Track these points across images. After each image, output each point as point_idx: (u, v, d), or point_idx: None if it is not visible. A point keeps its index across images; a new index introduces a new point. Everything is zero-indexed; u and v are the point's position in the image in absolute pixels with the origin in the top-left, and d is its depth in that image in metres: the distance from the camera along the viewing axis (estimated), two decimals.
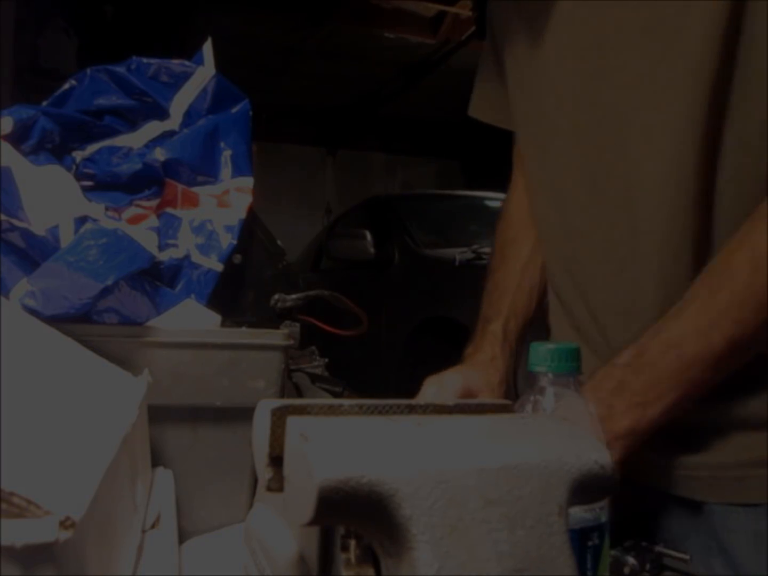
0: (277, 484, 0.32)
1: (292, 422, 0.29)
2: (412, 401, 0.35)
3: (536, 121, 0.73)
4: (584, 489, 0.29)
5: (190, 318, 0.71)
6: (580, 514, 0.44)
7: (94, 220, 0.66)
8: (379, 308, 3.52)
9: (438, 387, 0.71)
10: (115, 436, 0.44)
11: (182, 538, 0.69)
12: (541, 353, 0.50)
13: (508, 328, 0.81)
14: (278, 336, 0.72)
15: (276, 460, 0.32)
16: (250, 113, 0.81)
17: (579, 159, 0.67)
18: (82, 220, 0.65)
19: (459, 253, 3.05)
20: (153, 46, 0.86)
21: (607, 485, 0.29)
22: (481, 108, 0.89)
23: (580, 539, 0.47)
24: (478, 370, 0.76)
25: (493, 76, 0.83)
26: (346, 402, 0.34)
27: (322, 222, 7.02)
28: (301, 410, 0.32)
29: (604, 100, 0.64)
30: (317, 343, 1.27)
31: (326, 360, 1.28)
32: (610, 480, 0.29)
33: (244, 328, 0.73)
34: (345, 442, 0.27)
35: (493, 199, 4.01)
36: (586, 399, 0.48)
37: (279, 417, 0.32)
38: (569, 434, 0.30)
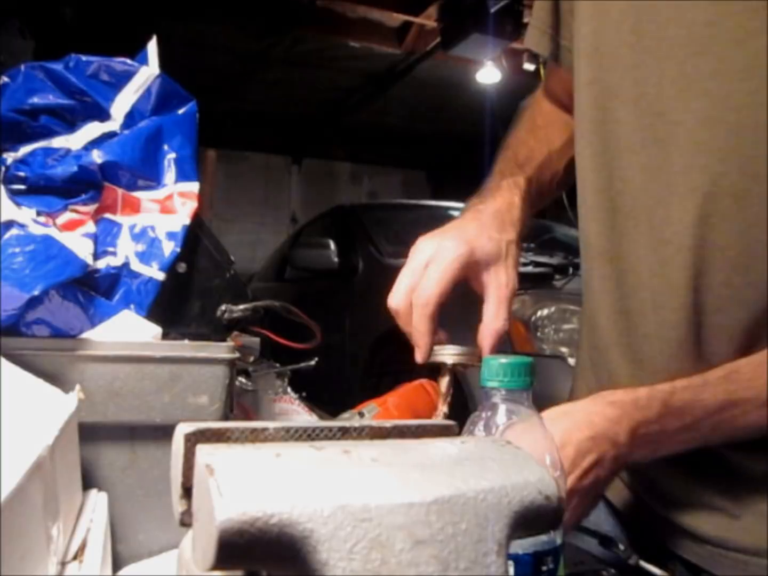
0: (190, 519, 0.28)
1: (202, 451, 0.26)
2: (347, 423, 0.32)
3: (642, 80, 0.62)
4: (527, 522, 0.26)
5: (128, 330, 0.67)
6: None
7: (22, 226, 0.62)
8: (343, 318, 3.48)
9: (430, 261, 0.60)
10: (25, 462, 0.40)
11: (119, 564, 0.66)
12: (493, 368, 0.48)
13: (532, 187, 0.71)
14: (223, 349, 0.68)
15: (190, 492, 0.28)
16: (197, 115, 0.78)
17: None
18: (7, 226, 0.61)
19: None
20: (113, 50, 0.81)
21: (553, 517, 0.27)
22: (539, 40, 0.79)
23: (534, 564, 0.44)
24: (487, 225, 0.63)
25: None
26: (272, 425, 0.30)
27: (286, 231, 6.98)
28: (219, 435, 0.29)
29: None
30: (278, 356, 1.23)
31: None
32: (555, 511, 0.27)
33: (186, 341, 0.69)
34: (255, 475, 0.23)
35: (457, 209, 4.01)
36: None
37: (192, 443, 0.28)
38: (512, 461, 0.27)
